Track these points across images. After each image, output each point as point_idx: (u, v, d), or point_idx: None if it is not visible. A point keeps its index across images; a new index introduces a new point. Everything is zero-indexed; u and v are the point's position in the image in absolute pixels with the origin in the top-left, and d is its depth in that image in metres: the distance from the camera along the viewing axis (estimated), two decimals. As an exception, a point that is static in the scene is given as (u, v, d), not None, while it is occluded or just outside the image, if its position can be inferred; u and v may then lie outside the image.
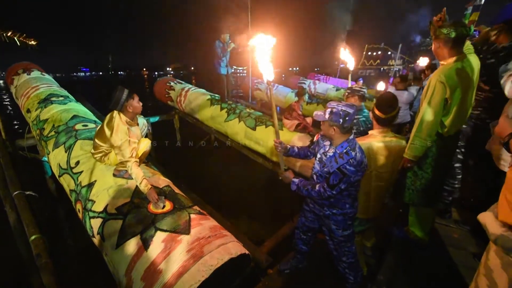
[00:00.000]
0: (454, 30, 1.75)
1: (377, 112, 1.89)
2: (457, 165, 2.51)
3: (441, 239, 2.30)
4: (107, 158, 2.37)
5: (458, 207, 2.71)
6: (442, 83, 1.77)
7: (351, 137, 1.60)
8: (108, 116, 2.21)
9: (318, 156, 1.73)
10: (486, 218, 1.06)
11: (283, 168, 1.80)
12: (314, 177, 1.75)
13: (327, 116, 1.55)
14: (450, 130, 1.91)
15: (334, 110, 1.54)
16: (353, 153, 1.52)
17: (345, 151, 1.54)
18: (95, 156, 2.41)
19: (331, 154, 1.61)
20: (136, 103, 2.22)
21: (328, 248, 1.91)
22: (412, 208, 2.25)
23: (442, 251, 2.19)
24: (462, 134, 2.37)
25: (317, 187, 1.62)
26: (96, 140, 2.36)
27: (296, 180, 1.73)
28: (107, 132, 2.16)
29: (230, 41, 5.13)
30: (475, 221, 1.12)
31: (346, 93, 2.63)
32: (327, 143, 1.68)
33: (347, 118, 1.52)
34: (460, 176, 2.52)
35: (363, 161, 1.54)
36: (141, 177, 2.03)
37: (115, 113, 2.17)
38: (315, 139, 1.82)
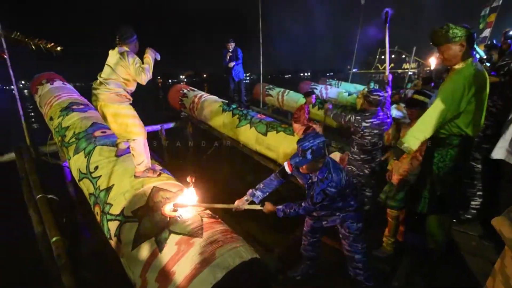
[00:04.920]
0: (467, 31, 1.73)
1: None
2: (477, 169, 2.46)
3: (459, 246, 2.23)
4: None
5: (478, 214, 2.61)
6: (462, 83, 1.73)
7: (327, 160, 1.75)
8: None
9: (306, 185, 1.88)
10: (500, 222, 1.03)
11: (259, 207, 1.93)
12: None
13: (309, 156, 1.64)
14: (473, 132, 1.86)
15: (314, 147, 1.63)
16: (331, 176, 1.69)
17: (325, 176, 1.70)
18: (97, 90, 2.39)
19: (315, 180, 1.76)
20: None
21: (339, 253, 1.92)
22: (431, 215, 2.20)
23: (460, 259, 2.12)
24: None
25: (303, 204, 1.78)
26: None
27: (280, 207, 1.87)
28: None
29: (231, 50, 5.30)
30: (490, 227, 1.10)
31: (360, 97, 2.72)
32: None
33: (321, 146, 1.66)
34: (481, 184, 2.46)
35: (341, 178, 1.72)
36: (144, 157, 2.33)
37: None
38: (288, 171, 1.91)
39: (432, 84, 4.62)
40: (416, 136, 1.82)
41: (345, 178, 1.76)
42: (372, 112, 2.61)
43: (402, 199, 2.29)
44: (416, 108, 2.26)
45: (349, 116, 2.68)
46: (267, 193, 1.98)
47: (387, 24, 3.02)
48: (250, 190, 1.98)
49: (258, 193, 1.95)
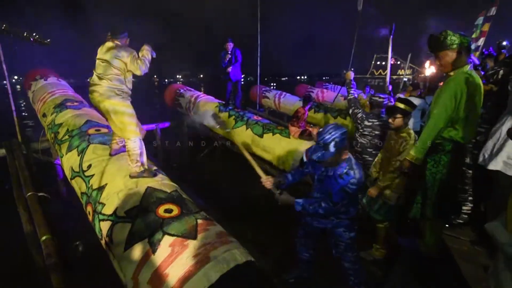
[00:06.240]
0: (464, 38, 1.77)
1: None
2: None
3: (451, 251, 2.25)
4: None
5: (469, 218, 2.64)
6: (459, 90, 1.76)
7: (348, 155, 1.65)
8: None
9: (316, 177, 1.79)
10: (494, 227, 1.05)
11: (277, 193, 1.82)
12: (318, 195, 1.81)
13: (333, 149, 1.54)
14: (465, 138, 1.89)
15: (337, 138, 1.53)
16: (352, 173, 1.58)
17: (345, 171, 1.59)
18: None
19: (331, 174, 1.65)
20: None
21: (333, 257, 1.91)
22: (423, 220, 2.22)
23: (452, 264, 2.14)
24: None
25: (323, 203, 1.65)
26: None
27: (299, 200, 1.73)
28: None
29: (230, 51, 5.26)
30: (482, 232, 1.11)
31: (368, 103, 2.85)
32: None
33: (344, 137, 1.57)
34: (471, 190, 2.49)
35: (362, 175, 1.61)
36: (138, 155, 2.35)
37: None
38: (304, 158, 1.85)
39: (420, 92, 4.70)
40: (423, 146, 1.88)
41: (364, 178, 1.68)
42: (374, 113, 2.70)
43: (386, 212, 2.28)
44: (398, 116, 2.15)
45: (358, 111, 2.77)
46: (295, 181, 1.92)
47: (391, 37, 3.10)
48: (284, 174, 1.93)
49: (289, 177, 1.91)
